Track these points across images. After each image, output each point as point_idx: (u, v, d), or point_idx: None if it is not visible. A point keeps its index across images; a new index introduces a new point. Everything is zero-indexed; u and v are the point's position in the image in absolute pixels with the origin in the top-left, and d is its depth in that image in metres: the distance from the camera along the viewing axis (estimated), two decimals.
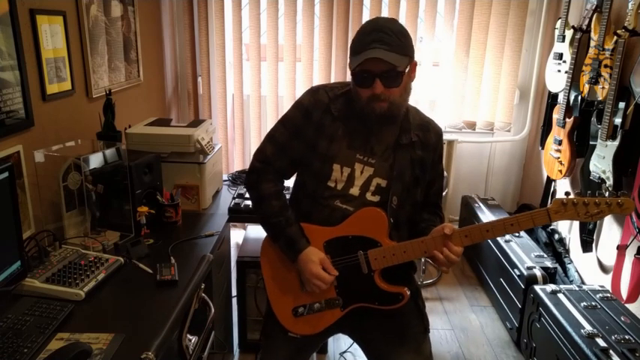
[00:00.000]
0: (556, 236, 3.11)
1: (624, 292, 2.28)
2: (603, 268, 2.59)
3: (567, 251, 2.98)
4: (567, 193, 1.35)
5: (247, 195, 2.37)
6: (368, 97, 1.40)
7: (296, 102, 1.56)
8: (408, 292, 1.47)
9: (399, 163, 1.48)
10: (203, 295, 1.61)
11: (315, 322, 1.53)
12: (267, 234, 1.59)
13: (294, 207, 1.57)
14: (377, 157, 1.49)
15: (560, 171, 2.85)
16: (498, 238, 2.92)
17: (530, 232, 3.19)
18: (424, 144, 1.53)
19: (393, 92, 1.40)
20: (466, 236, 1.40)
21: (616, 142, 2.30)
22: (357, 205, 1.48)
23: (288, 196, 1.63)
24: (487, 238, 1.42)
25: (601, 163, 2.39)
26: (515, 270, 2.62)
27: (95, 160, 1.82)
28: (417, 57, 1.49)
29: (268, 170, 1.56)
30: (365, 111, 1.43)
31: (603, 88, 2.42)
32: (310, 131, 1.50)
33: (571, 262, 2.88)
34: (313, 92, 1.54)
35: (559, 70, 2.90)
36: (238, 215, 2.24)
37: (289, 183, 1.65)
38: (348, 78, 1.54)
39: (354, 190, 1.49)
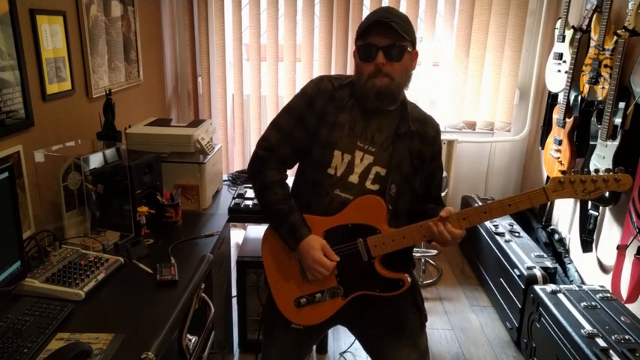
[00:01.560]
0: (556, 236, 3.11)
1: (624, 292, 2.28)
2: (603, 268, 2.59)
3: (567, 251, 2.98)
4: (564, 172, 1.35)
5: (247, 195, 2.37)
6: (369, 72, 1.43)
7: (300, 91, 1.58)
8: (409, 279, 1.49)
9: (398, 152, 1.50)
10: (203, 295, 1.61)
11: (318, 312, 1.53)
12: (269, 222, 1.59)
13: (294, 197, 1.57)
14: (377, 146, 1.51)
15: (560, 171, 2.84)
16: (498, 238, 2.92)
17: (530, 232, 3.20)
18: (422, 136, 1.55)
19: (395, 68, 1.43)
20: (464, 219, 1.40)
21: (616, 142, 2.30)
22: (356, 194, 1.49)
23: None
24: (485, 220, 1.42)
25: (601, 163, 2.39)
26: (515, 270, 2.62)
27: (95, 160, 1.82)
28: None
29: (272, 158, 1.56)
30: (366, 87, 1.45)
31: (603, 88, 2.42)
32: (313, 119, 1.52)
33: (571, 262, 2.88)
34: (318, 81, 1.56)
35: (559, 70, 2.90)
36: (238, 215, 2.24)
37: (290, 180, 1.65)
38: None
39: (353, 178, 1.50)
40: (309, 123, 1.52)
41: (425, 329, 1.63)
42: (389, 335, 1.57)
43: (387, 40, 1.40)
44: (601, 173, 1.34)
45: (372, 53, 1.42)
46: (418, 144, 1.54)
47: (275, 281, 1.58)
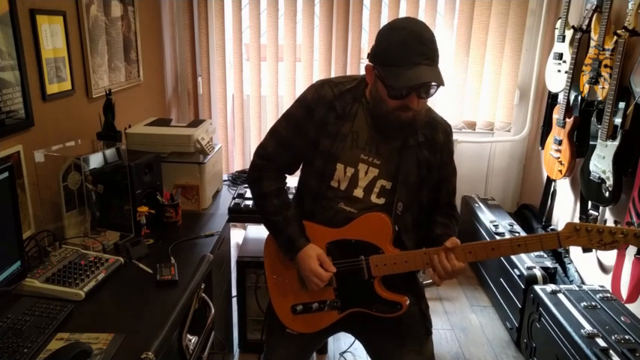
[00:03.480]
0: None
1: (624, 292, 2.28)
2: (603, 268, 2.59)
3: (567, 251, 2.98)
4: (582, 218, 1.30)
5: (247, 195, 2.37)
6: (396, 106, 1.35)
7: (300, 97, 1.52)
8: (407, 302, 1.46)
9: (405, 166, 1.44)
10: (203, 295, 1.61)
11: (313, 321, 1.53)
12: (268, 231, 1.58)
13: (298, 204, 1.55)
14: (382, 159, 1.45)
15: (560, 171, 2.84)
16: (498, 238, 2.91)
17: (530, 232, 3.19)
18: (431, 144, 1.48)
19: (422, 103, 1.37)
20: (470, 252, 1.38)
21: (616, 142, 2.30)
22: (361, 208, 1.46)
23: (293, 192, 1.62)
24: (492, 257, 1.37)
25: (601, 163, 2.39)
26: (515, 270, 2.62)
27: (95, 160, 1.82)
28: None
29: (270, 167, 1.54)
30: (389, 118, 1.37)
31: (603, 88, 2.42)
32: (312, 128, 1.46)
33: (571, 262, 2.88)
34: (317, 87, 1.48)
35: (559, 70, 2.90)
36: (238, 215, 2.25)
37: (294, 180, 1.65)
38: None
39: (358, 192, 1.46)
40: (309, 132, 1.47)
41: (430, 336, 1.60)
42: (393, 342, 1.54)
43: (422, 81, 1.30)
44: (620, 226, 1.27)
45: (405, 95, 1.32)
46: (427, 153, 1.47)
47: (275, 286, 1.58)
